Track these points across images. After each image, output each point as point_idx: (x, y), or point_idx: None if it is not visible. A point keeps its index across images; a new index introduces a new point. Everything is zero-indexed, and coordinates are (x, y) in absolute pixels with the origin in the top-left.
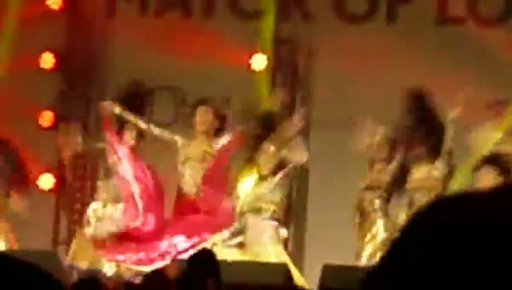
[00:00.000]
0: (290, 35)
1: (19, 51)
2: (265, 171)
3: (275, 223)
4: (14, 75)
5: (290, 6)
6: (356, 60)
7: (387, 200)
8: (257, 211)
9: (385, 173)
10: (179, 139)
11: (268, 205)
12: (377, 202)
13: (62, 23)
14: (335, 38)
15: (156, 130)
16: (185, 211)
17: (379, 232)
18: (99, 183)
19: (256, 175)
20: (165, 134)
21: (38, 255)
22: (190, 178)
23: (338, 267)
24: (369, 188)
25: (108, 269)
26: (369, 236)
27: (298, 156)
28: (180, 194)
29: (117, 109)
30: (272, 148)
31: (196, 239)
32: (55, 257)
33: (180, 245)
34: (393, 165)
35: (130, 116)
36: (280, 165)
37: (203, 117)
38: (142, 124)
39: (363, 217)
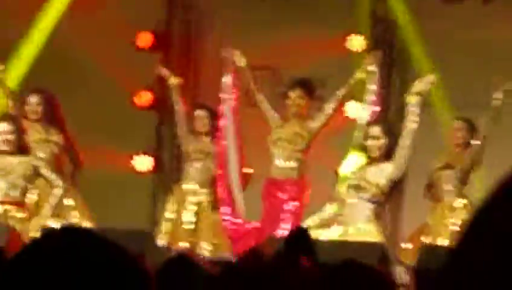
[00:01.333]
0: (386, 14)
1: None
2: (373, 155)
3: (373, 204)
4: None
5: None
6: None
7: (463, 182)
8: (357, 189)
9: (461, 156)
10: (276, 118)
11: (370, 186)
12: (453, 182)
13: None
14: (428, 17)
15: (261, 97)
16: (271, 194)
17: (456, 213)
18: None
19: (362, 157)
20: (268, 106)
21: (135, 234)
22: (279, 159)
23: (435, 247)
24: (446, 167)
25: (204, 250)
26: (446, 216)
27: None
28: (268, 177)
29: (242, 62)
30: (379, 133)
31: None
32: (151, 237)
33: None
34: (473, 149)
35: (252, 82)
36: (388, 150)
37: (296, 100)
38: (255, 89)
39: (435, 196)
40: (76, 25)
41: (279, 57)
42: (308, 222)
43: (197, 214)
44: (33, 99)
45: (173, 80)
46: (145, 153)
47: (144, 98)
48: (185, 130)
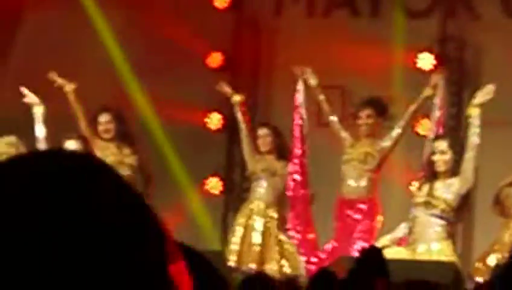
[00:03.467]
0: (456, 32)
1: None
2: (440, 169)
3: (444, 221)
4: (179, 73)
5: (456, 4)
6: None
7: None
8: (426, 205)
9: None
10: (347, 138)
11: (438, 202)
12: None
13: (229, 23)
14: (502, 35)
15: (334, 119)
16: (344, 214)
17: None
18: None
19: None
20: (339, 127)
21: (206, 255)
22: (351, 179)
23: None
24: None
25: (271, 271)
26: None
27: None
28: (340, 196)
29: (313, 80)
30: (446, 147)
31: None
32: (222, 257)
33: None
34: None
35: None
36: (455, 165)
37: (366, 119)
38: (327, 108)
39: (504, 213)
40: (141, 43)
41: (348, 76)
42: (382, 242)
43: (264, 233)
44: (104, 117)
45: (236, 98)
46: (215, 175)
47: (215, 118)
48: (250, 149)
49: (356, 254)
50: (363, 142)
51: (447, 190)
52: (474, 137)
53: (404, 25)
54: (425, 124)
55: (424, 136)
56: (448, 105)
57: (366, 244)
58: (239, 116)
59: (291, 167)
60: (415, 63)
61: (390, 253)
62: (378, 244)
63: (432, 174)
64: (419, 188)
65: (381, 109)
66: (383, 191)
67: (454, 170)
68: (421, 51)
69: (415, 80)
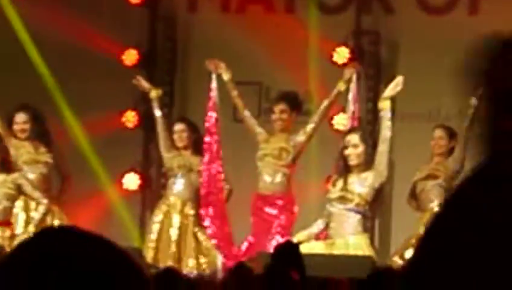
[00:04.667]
0: (371, 26)
1: (101, 47)
2: (353, 163)
3: (359, 215)
4: (97, 71)
5: None
6: (435, 53)
7: (449, 190)
8: (341, 200)
9: (444, 165)
10: (262, 133)
11: (353, 196)
12: (435, 191)
13: (144, 18)
14: (416, 28)
15: (247, 114)
16: (260, 209)
17: None
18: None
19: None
20: (253, 122)
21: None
22: (266, 174)
23: None
24: (429, 177)
25: (188, 267)
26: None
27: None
28: (256, 192)
29: (226, 75)
30: (359, 141)
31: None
32: (140, 254)
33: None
34: (453, 157)
35: (237, 97)
36: (367, 159)
37: (280, 114)
38: (240, 104)
39: (421, 207)
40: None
41: (265, 72)
42: (298, 237)
43: (181, 229)
44: (20, 117)
45: (153, 93)
46: (133, 171)
47: (130, 116)
48: (166, 145)
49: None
50: (278, 137)
51: (361, 184)
52: (386, 130)
53: (319, 20)
54: (341, 118)
55: (340, 131)
56: (365, 99)
57: (282, 240)
58: (156, 111)
59: (205, 162)
60: (331, 57)
61: (306, 248)
62: (295, 239)
63: (345, 169)
64: (334, 184)
65: (295, 104)
66: (299, 187)
67: (368, 163)
68: (337, 46)
69: (332, 74)
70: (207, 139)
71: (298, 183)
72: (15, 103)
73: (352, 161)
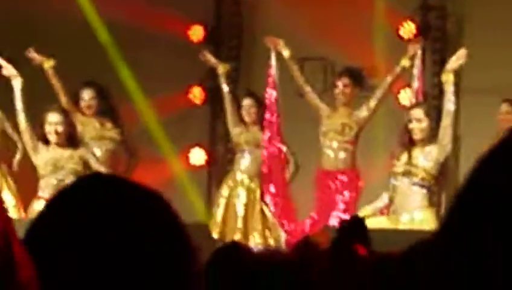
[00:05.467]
0: (438, 1)
1: (167, 25)
2: (417, 137)
3: (424, 189)
4: (162, 49)
5: None
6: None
7: None
8: (406, 174)
9: None
10: (324, 109)
11: (418, 170)
12: None
13: None
14: (483, 2)
15: (308, 88)
16: (324, 185)
17: None
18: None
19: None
20: (315, 97)
21: (190, 228)
22: (329, 150)
23: None
24: None
25: (255, 243)
26: None
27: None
28: (319, 168)
29: (286, 52)
30: (423, 115)
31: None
32: (207, 230)
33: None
34: None
35: (297, 73)
36: (432, 133)
37: (343, 88)
38: (301, 80)
39: None
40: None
41: (330, 47)
42: (363, 212)
43: (247, 205)
44: (87, 93)
45: (221, 68)
46: (199, 147)
47: (196, 92)
48: (234, 120)
49: (337, 224)
50: (341, 112)
51: (426, 158)
52: (449, 104)
53: None
54: (407, 93)
55: (406, 106)
56: (431, 74)
57: (346, 215)
58: (224, 86)
59: (265, 140)
60: (397, 31)
61: (372, 223)
62: (360, 214)
63: (409, 143)
64: (398, 158)
65: (358, 79)
66: (365, 162)
67: (432, 138)
68: (403, 20)
69: (398, 49)
70: (267, 116)
71: (364, 158)
72: (82, 80)
73: (416, 135)
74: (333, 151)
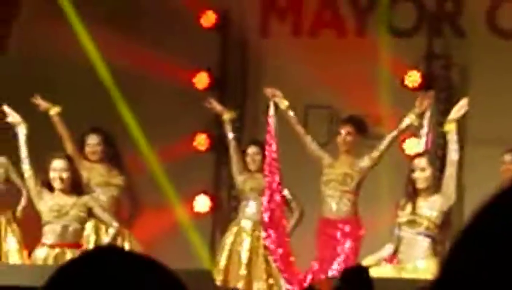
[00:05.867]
0: (442, 50)
1: (172, 72)
2: (421, 187)
3: (429, 239)
4: (167, 96)
5: (441, 22)
6: (507, 76)
7: None
8: (410, 224)
9: None
10: (325, 158)
11: (422, 220)
12: None
13: (216, 42)
14: (488, 51)
15: (308, 138)
16: (325, 234)
17: None
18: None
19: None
20: (316, 147)
21: (194, 274)
22: (331, 199)
23: None
24: None
25: None
26: None
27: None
28: (321, 216)
29: (283, 104)
30: (426, 164)
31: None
32: (210, 276)
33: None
34: None
35: (296, 124)
36: (435, 182)
37: (345, 137)
38: (300, 131)
39: None
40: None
41: (335, 96)
42: (367, 261)
43: (251, 252)
44: (92, 139)
45: (226, 115)
46: (204, 193)
47: (201, 139)
48: (239, 167)
49: (338, 273)
50: (342, 161)
51: (430, 208)
52: (452, 153)
53: (390, 43)
54: (413, 142)
55: (411, 155)
56: (436, 124)
57: (347, 264)
58: (229, 134)
59: (266, 187)
60: (402, 80)
61: (376, 272)
62: (364, 263)
63: (413, 192)
64: (403, 207)
65: (361, 127)
66: (370, 211)
67: (436, 187)
68: (408, 69)
69: (403, 98)
70: (267, 164)
71: (369, 206)
72: (87, 127)
73: (420, 185)
74: (334, 201)
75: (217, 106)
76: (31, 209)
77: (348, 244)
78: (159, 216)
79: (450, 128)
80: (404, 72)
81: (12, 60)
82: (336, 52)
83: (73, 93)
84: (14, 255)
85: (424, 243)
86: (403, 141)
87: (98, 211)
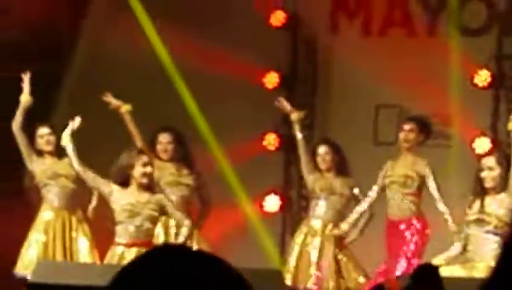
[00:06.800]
0: None
1: (243, 72)
2: (489, 186)
3: (498, 237)
4: (237, 95)
5: None
6: None
7: None
8: (479, 223)
9: None
10: (388, 162)
11: (491, 218)
12: None
13: (285, 41)
14: None
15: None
16: (390, 234)
17: None
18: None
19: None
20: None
21: (264, 274)
22: (393, 201)
23: None
24: None
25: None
26: None
27: None
28: (387, 217)
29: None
30: (494, 163)
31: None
32: (280, 276)
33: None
34: None
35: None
36: (503, 181)
37: (408, 133)
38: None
39: None
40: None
41: (405, 95)
42: (436, 261)
43: (321, 251)
44: (164, 137)
45: (295, 115)
46: (274, 193)
47: (271, 138)
48: (309, 167)
49: (406, 271)
50: (402, 162)
51: (498, 205)
52: None
53: (460, 43)
54: (482, 141)
55: (480, 154)
56: (505, 122)
57: (414, 262)
58: (298, 134)
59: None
60: (472, 79)
61: (446, 271)
62: (434, 262)
63: (481, 191)
64: (470, 206)
65: (423, 125)
66: (436, 209)
67: (505, 186)
68: (478, 68)
69: (473, 97)
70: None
71: (435, 206)
72: (157, 127)
73: (488, 184)
74: (396, 203)
75: (286, 106)
76: (102, 208)
77: (413, 243)
78: (229, 216)
79: None
80: (474, 71)
81: (82, 59)
82: (405, 51)
83: (142, 93)
84: (85, 255)
85: (494, 241)
86: (473, 140)
87: (171, 209)
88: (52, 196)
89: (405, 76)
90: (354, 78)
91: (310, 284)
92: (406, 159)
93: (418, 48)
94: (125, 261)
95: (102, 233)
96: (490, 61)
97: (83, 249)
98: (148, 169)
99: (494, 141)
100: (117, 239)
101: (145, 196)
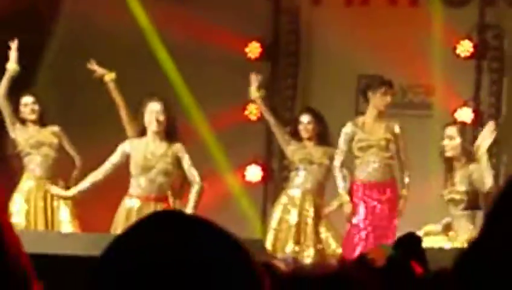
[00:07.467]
0: (494, 20)
1: (224, 42)
2: (448, 155)
3: (476, 211)
4: (219, 65)
5: None
6: None
7: None
8: (452, 202)
9: None
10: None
11: (462, 196)
12: None
13: (267, 12)
14: None
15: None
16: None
17: None
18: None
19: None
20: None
21: (245, 242)
22: (374, 165)
23: None
24: None
25: (308, 258)
26: None
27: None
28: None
29: None
30: (455, 133)
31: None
32: (261, 245)
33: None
34: None
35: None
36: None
37: (383, 102)
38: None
39: None
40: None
41: (386, 65)
42: (426, 229)
43: (300, 218)
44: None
45: (255, 93)
46: (255, 163)
47: (252, 108)
48: (285, 139)
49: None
50: (378, 126)
51: (468, 183)
52: (488, 179)
53: (442, 13)
54: (465, 111)
55: (464, 123)
56: (488, 93)
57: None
58: (264, 111)
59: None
60: (454, 50)
61: (430, 241)
62: (422, 231)
63: (448, 164)
64: (446, 185)
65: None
66: (421, 183)
67: (469, 156)
68: (460, 39)
69: (455, 67)
70: None
71: (420, 179)
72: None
73: (448, 153)
74: (377, 165)
75: (255, 82)
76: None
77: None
78: (211, 185)
79: (482, 156)
80: (456, 41)
81: (65, 32)
82: (387, 21)
83: (125, 62)
84: (66, 225)
85: (474, 218)
86: (454, 111)
87: (186, 163)
88: (33, 166)
89: (387, 46)
90: (336, 48)
91: (288, 253)
92: (380, 123)
93: (400, 17)
94: (133, 214)
95: (84, 203)
96: (472, 31)
97: (64, 219)
98: (161, 117)
99: (476, 111)
100: (131, 191)
101: (162, 146)
